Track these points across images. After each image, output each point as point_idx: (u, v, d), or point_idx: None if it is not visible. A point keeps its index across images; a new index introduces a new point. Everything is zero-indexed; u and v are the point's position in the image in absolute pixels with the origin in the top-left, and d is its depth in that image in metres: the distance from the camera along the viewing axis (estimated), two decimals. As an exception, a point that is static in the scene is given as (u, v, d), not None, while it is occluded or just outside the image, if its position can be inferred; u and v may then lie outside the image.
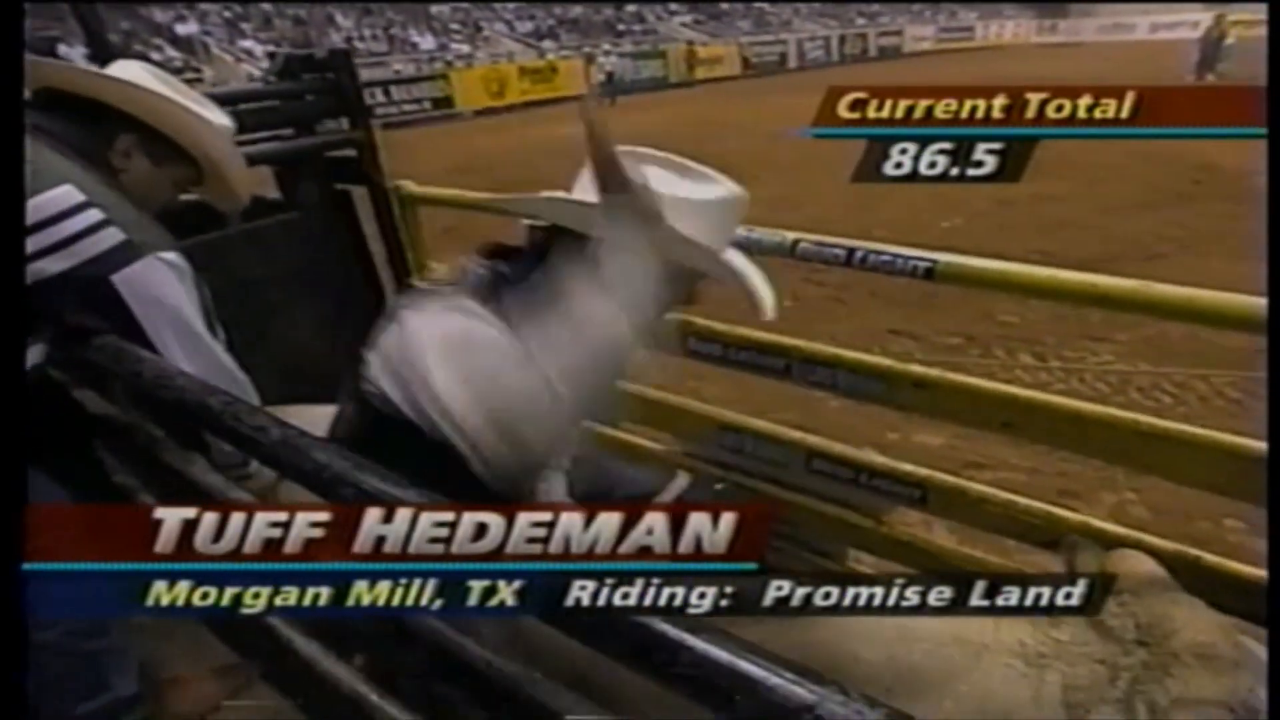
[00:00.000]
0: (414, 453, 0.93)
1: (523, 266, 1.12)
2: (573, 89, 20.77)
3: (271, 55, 2.41)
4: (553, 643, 1.14)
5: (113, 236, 1.28)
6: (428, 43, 21.83)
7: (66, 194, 1.27)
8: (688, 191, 1.10)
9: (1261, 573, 1.26)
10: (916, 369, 1.52)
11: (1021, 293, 1.37)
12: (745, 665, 0.59)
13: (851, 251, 1.40)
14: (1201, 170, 7.71)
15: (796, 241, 1.45)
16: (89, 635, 1.52)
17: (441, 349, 0.98)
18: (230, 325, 2.08)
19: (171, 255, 1.36)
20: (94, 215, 1.27)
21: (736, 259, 1.22)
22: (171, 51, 17.67)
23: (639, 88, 20.02)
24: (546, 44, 23.22)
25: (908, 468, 1.62)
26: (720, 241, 1.14)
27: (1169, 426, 1.29)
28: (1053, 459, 2.97)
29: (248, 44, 19.52)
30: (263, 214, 2.37)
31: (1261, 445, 1.17)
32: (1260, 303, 1.06)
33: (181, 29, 18.88)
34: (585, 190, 1.07)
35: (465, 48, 22.09)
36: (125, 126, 1.42)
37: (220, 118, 1.55)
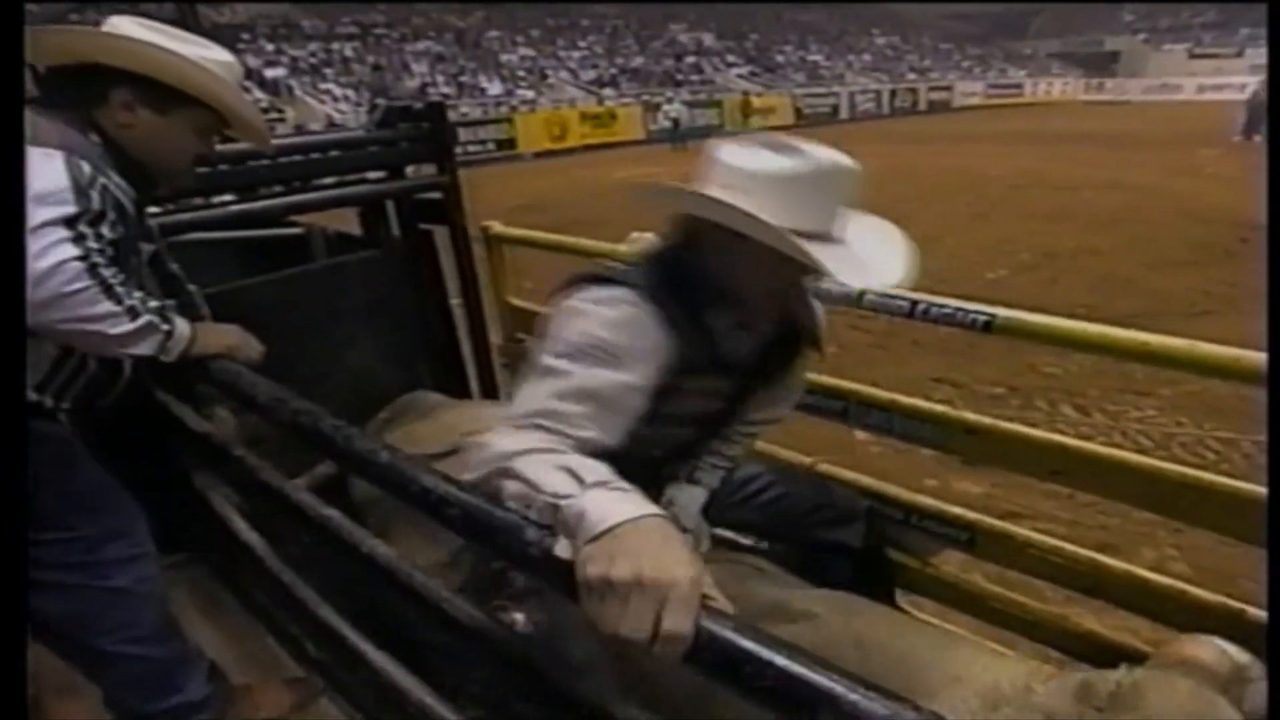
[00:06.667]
0: None
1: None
2: (630, 134, 21.65)
3: (373, 106, 2.59)
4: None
5: None
6: (495, 88, 22.80)
7: None
8: (755, 164, 1.07)
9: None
10: (970, 416, 1.59)
11: (1072, 347, 1.42)
12: (826, 681, 0.67)
13: (914, 303, 1.48)
14: (1250, 229, 7.64)
15: (862, 292, 1.54)
16: (156, 641, 1.60)
17: None
18: (309, 352, 2.22)
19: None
20: None
21: (858, 225, 1.15)
22: (259, 94, 18.74)
23: (695, 135, 20.52)
24: (607, 91, 24.05)
25: (956, 510, 1.67)
26: (799, 217, 1.05)
27: (1214, 480, 1.33)
28: (1093, 512, 2.98)
29: (328, 87, 20.64)
30: (346, 250, 2.54)
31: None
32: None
33: (269, 73, 20.18)
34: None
35: (530, 94, 22.98)
36: (117, 80, 1.38)
37: (219, 54, 1.48)
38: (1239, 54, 33.86)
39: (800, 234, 1.03)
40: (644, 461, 1.31)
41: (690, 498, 1.49)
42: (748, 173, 1.07)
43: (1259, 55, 31.29)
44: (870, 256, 1.12)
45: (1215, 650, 1.17)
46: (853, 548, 1.64)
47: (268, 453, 1.63)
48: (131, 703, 1.63)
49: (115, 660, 1.56)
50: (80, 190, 1.24)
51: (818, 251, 1.02)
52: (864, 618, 1.39)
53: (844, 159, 1.08)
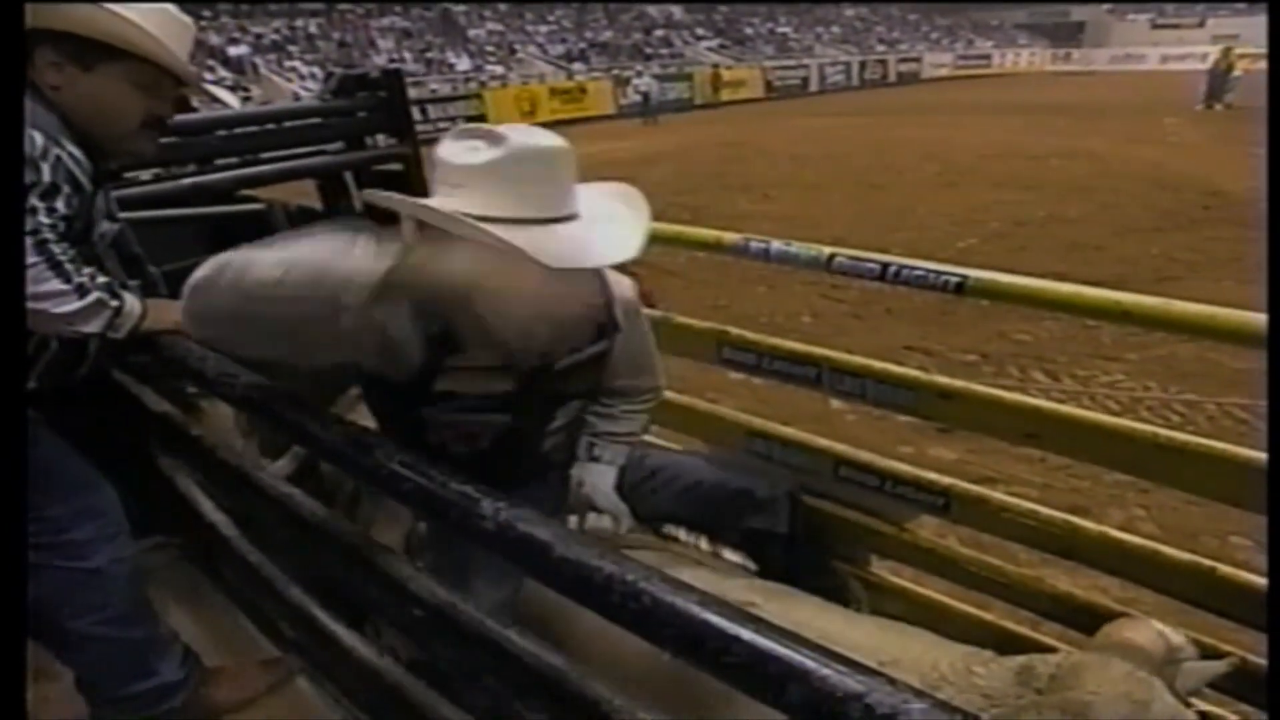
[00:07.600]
0: None
1: None
2: (601, 109, 21.55)
3: (328, 75, 2.47)
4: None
5: None
6: (464, 64, 22.57)
7: None
8: (466, 158, 1.07)
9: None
10: (943, 380, 1.57)
11: (1046, 308, 1.41)
12: (797, 656, 0.62)
13: (885, 266, 1.46)
14: (1212, 196, 7.81)
15: (833, 256, 1.51)
16: (130, 623, 1.58)
17: None
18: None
19: None
20: None
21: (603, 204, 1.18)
22: (223, 72, 18.46)
23: (666, 109, 20.54)
24: (577, 66, 23.89)
25: (931, 476, 1.66)
26: (514, 204, 1.06)
27: (1187, 440, 1.33)
28: (1064, 475, 3.02)
29: (294, 64, 20.35)
30: (306, 223, 2.46)
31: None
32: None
33: (233, 50, 19.78)
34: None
35: (499, 69, 22.77)
36: (39, 40, 1.29)
37: (144, 3, 1.36)
38: (1200, 24, 34.35)
39: (519, 221, 1.04)
40: (494, 455, 1.29)
41: (598, 475, 1.49)
42: (458, 167, 1.07)
43: (1219, 25, 31.81)
44: (599, 236, 1.12)
45: (1152, 632, 1.23)
46: (778, 534, 1.62)
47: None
48: (104, 686, 1.61)
49: (88, 642, 1.53)
50: (29, 162, 1.19)
51: (532, 235, 1.03)
52: (802, 606, 1.42)
53: (554, 140, 1.10)
